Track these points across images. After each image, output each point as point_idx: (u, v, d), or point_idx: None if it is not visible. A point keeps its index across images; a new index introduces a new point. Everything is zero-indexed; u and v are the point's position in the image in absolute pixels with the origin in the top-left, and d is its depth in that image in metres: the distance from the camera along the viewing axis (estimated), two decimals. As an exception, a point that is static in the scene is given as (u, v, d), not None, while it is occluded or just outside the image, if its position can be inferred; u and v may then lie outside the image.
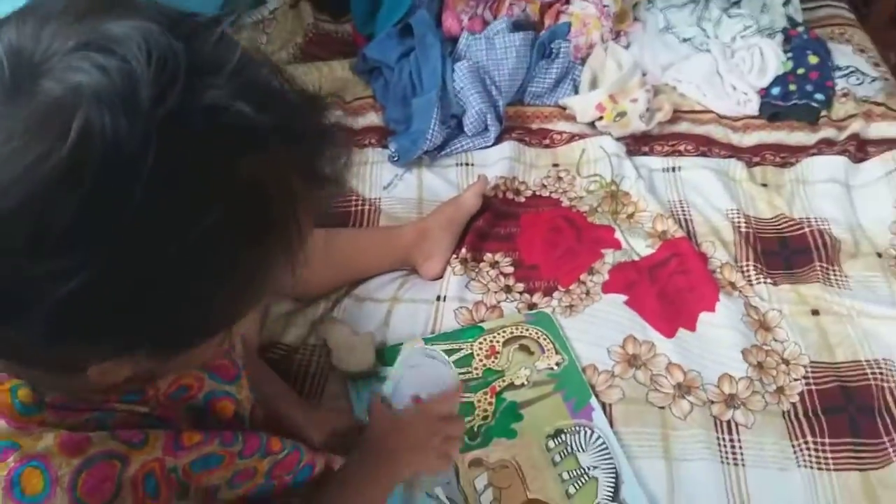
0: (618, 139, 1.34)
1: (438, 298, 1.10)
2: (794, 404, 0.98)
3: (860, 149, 1.32)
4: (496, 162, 1.31)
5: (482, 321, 1.07)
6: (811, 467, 0.92)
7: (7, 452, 0.46)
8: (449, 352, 1.03)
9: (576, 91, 1.43)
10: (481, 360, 1.02)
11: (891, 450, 0.93)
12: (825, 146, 1.33)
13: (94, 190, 0.36)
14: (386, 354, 1.03)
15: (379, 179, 1.30)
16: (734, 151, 1.36)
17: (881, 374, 1.00)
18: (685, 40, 1.49)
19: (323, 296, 1.10)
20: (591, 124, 1.38)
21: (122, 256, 0.38)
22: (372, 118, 1.40)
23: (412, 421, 0.82)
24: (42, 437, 0.47)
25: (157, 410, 0.56)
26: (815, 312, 1.09)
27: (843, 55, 1.51)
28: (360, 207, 1.24)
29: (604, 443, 0.93)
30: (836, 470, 0.92)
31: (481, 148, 1.35)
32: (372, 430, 0.80)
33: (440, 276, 1.14)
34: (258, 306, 0.52)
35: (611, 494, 0.89)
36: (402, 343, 1.04)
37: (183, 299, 0.41)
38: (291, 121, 0.43)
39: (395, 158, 1.30)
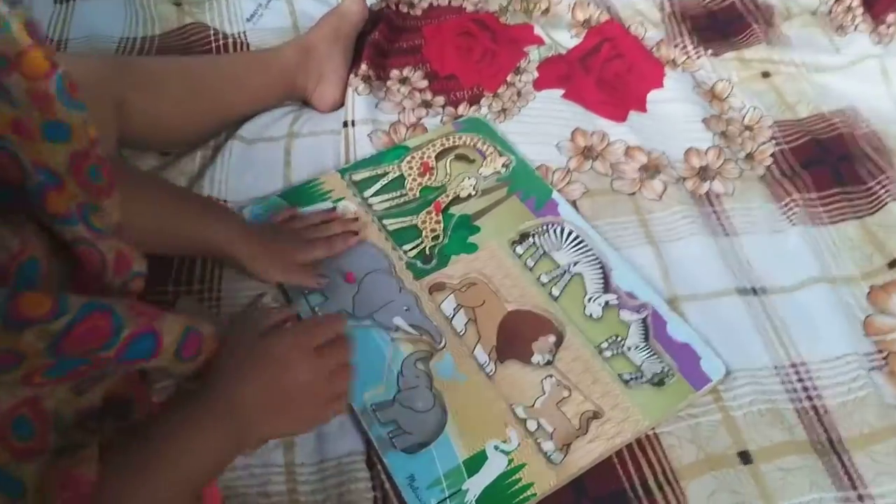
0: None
1: (346, 125, 0.89)
2: (768, 167, 0.87)
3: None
4: (378, -26, 1.10)
5: (403, 142, 0.88)
6: (806, 224, 0.81)
7: None
8: (372, 179, 0.83)
9: None
10: (415, 180, 0.83)
11: (882, 192, 0.84)
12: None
13: None
14: (297, 195, 0.81)
15: (239, 11, 1.05)
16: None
17: (848, 122, 0.91)
18: None
19: (197, 143, 0.86)
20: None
21: None
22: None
23: (289, 357, 0.54)
24: None
25: None
26: (766, 74, 0.98)
27: None
28: (220, 43, 0.99)
29: (577, 236, 0.78)
30: (832, 223, 0.82)
31: (357, -36, 1.13)
32: (224, 359, 0.51)
33: (340, 104, 0.93)
34: None
35: (601, 286, 0.74)
36: (317, 180, 0.83)
37: None
38: None
39: (254, -17, 1.06)
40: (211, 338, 0.47)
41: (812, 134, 0.90)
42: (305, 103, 0.94)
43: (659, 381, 0.67)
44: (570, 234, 0.78)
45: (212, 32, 1.00)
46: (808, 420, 0.66)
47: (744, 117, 0.92)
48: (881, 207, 0.83)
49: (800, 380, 0.68)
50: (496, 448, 0.62)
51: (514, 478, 0.61)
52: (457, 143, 0.87)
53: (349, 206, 0.80)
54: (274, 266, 0.72)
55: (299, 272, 0.73)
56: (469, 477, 0.61)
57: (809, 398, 0.67)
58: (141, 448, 0.45)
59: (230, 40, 0.99)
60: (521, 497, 0.60)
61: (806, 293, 0.75)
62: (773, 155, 0.88)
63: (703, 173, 0.86)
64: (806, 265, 0.77)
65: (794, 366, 0.69)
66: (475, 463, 0.62)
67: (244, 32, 1.02)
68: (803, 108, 0.93)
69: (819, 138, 0.89)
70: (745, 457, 0.63)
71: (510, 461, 0.62)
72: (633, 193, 0.84)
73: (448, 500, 0.59)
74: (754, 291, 0.75)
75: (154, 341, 0.42)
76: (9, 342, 0.35)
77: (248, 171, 0.84)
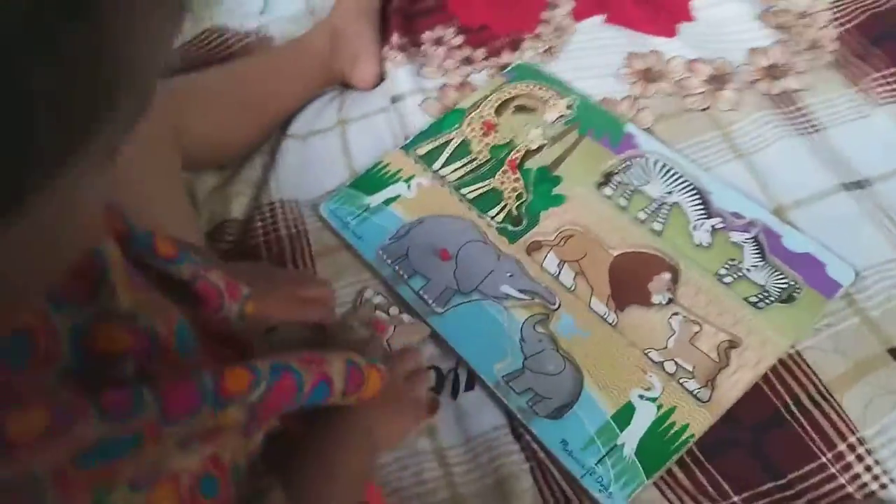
0: None
1: (394, 100, 0.86)
2: (835, 52, 0.83)
3: None
4: (383, -63, 1.05)
5: (456, 105, 0.85)
6: (889, 102, 0.78)
7: None
8: (437, 150, 0.80)
9: None
10: (480, 142, 0.81)
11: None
12: None
13: None
14: (367, 183, 0.79)
15: (247, 5, 1.01)
16: None
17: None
18: None
19: (250, 151, 0.84)
20: None
21: None
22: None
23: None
24: None
25: None
26: (810, -46, 0.93)
27: None
28: (242, 43, 0.96)
29: (665, 164, 0.75)
30: (915, 95, 0.78)
31: (357, -69, 1.07)
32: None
33: (380, 79, 0.90)
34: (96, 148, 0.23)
35: (703, 211, 0.72)
36: (382, 162, 0.80)
37: None
38: None
39: (261, -28, 1.01)
40: (366, 367, 0.46)
41: (870, 8, 0.86)
42: (345, 85, 0.91)
43: (788, 298, 0.65)
44: (655, 163, 0.75)
45: (231, 35, 0.96)
46: (948, 303, 0.64)
47: (796, 5, 0.88)
48: (964, 69, 0.79)
49: (929, 264, 0.66)
50: (641, 397, 0.61)
51: (667, 423, 0.60)
52: (513, 94, 0.84)
53: (423, 182, 0.78)
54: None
55: (301, 307, 0.62)
56: (621, 431, 0.60)
57: (944, 281, 0.65)
58: (310, 482, 0.46)
59: (251, 38, 0.96)
60: (679, 441, 0.59)
61: (910, 175, 0.72)
62: (838, 38, 0.84)
63: (773, 72, 0.82)
64: (902, 146, 0.74)
65: (919, 252, 0.67)
66: (624, 415, 0.60)
67: (259, 27, 0.98)
68: (857, -19, 0.89)
69: (877, 11, 0.85)
70: (895, 353, 0.61)
71: (659, 407, 0.61)
72: (707, 108, 0.80)
73: (606, 457, 0.59)
74: (859, 185, 0.72)
75: (328, 387, 0.41)
76: (216, 421, 0.34)
77: (309, 167, 0.82)
